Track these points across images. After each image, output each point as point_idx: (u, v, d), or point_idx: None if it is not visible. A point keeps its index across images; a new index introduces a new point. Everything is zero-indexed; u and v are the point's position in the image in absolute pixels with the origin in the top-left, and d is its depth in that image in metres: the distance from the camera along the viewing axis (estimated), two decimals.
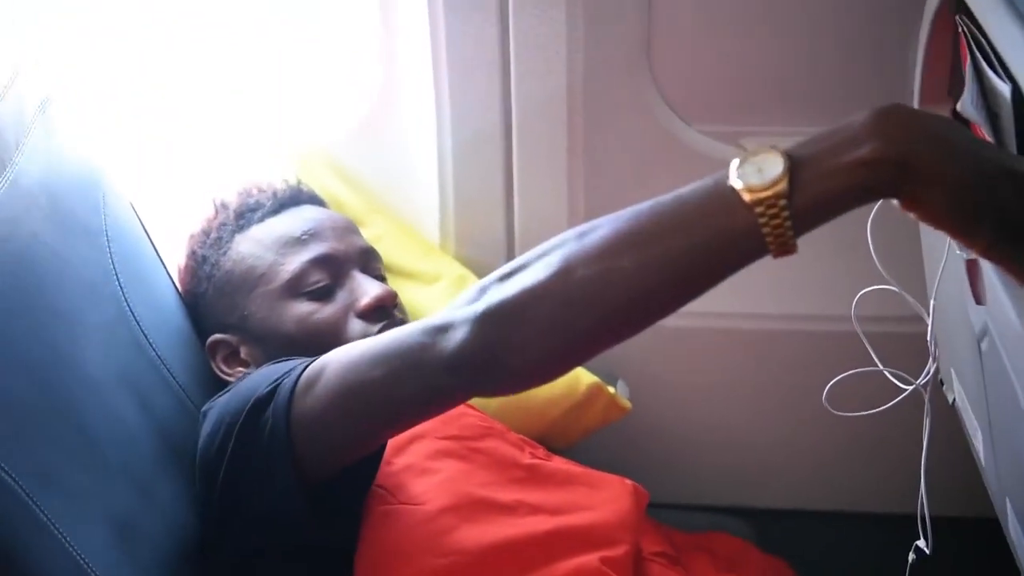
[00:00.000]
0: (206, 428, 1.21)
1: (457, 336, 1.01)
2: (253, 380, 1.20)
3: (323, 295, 1.37)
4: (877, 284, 1.11)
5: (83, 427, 1.16)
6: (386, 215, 1.59)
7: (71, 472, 1.12)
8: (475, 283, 1.04)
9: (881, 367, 1.12)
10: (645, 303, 0.96)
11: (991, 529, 1.56)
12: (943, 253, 1.08)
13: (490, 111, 1.50)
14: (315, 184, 1.54)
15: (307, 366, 1.15)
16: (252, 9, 1.57)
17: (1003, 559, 1.53)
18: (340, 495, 1.17)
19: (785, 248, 0.89)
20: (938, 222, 0.87)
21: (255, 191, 1.47)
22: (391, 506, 1.24)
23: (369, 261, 1.42)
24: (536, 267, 0.98)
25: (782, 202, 0.87)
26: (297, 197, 1.47)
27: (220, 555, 1.22)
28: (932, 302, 1.08)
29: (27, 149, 1.19)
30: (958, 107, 1.02)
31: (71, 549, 1.07)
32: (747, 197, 0.88)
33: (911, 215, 0.88)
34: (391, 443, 1.27)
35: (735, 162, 0.90)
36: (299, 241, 1.39)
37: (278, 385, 1.15)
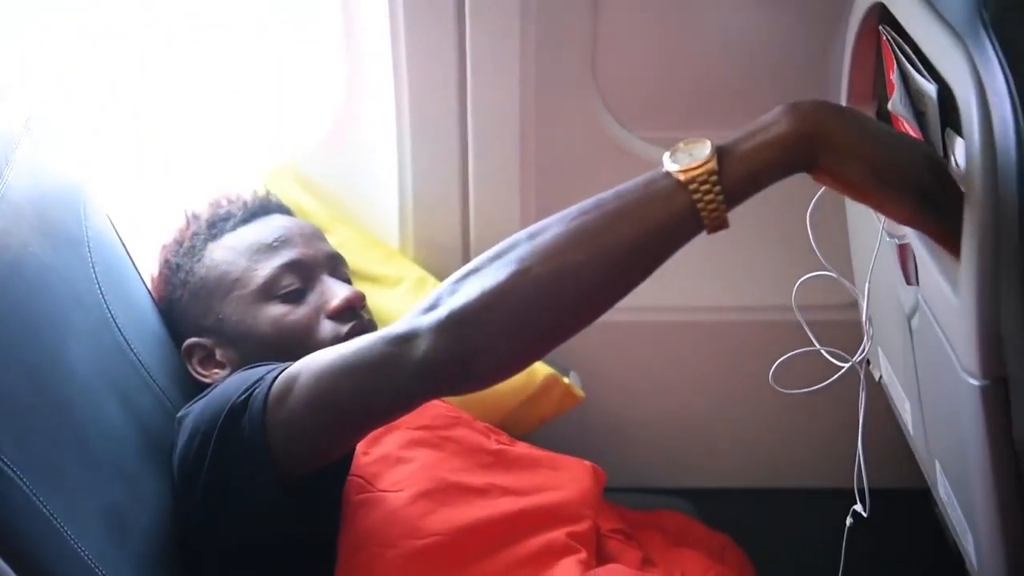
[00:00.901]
0: (182, 438, 1.23)
1: (422, 345, 1.03)
2: (226, 388, 1.22)
3: (295, 298, 1.40)
4: (812, 273, 1.18)
5: (76, 426, 1.19)
6: (348, 223, 1.62)
7: (68, 468, 1.14)
8: (433, 289, 1.06)
9: (819, 347, 1.18)
10: (599, 292, 1.01)
11: (920, 499, 1.64)
12: (875, 240, 1.15)
13: (448, 123, 1.54)
14: (281, 195, 1.57)
15: (278, 374, 1.16)
16: (220, 28, 1.60)
17: (928, 527, 1.62)
18: (318, 488, 1.20)
19: (718, 223, 0.98)
20: (860, 194, 0.97)
21: (225, 202, 1.50)
22: (370, 494, 1.27)
23: (337, 265, 1.46)
24: (491, 270, 1.02)
25: (713, 178, 0.96)
26: (266, 207, 1.50)
27: (203, 551, 1.24)
28: (867, 285, 1.15)
29: (15, 164, 1.22)
30: (889, 106, 1.10)
31: (73, 543, 1.10)
32: (681, 177, 0.97)
33: (833, 189, 0.98)
34: (367, 436, 1.28)
35: (667, 153, 0.99)
36: (271, 248, 1.42)
37: (251, 394, 1.17)
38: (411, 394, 1.09)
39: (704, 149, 0.97)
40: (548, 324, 1.02)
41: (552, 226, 1.02)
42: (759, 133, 0.97)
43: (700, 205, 0.97)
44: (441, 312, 1.03)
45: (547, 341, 1.04)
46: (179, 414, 1.27)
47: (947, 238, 0.96)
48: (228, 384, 1.23)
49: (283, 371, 1.17)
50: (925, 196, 0.95)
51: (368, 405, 1.11)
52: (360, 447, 1.29)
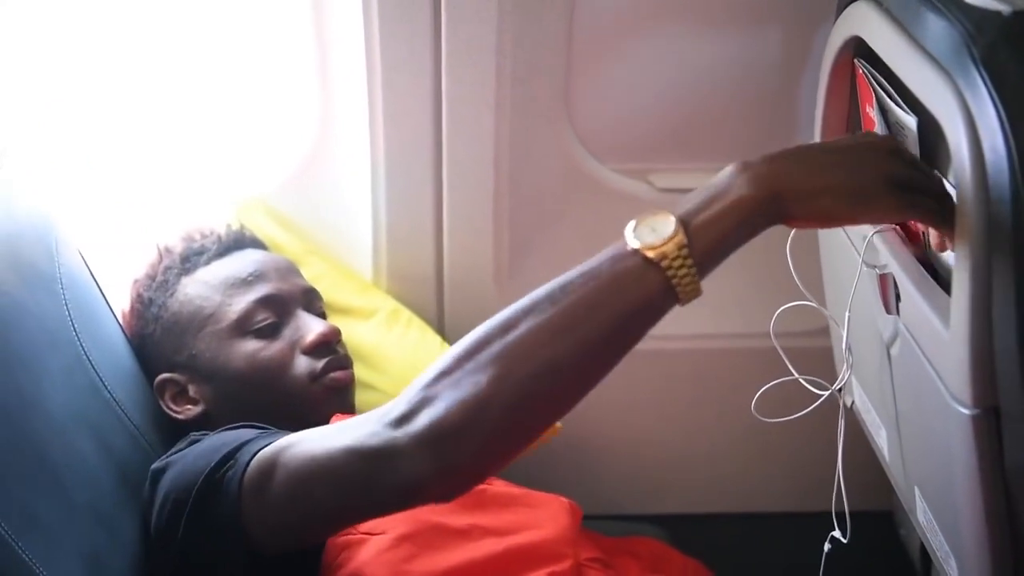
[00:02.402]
0: (157, 498, 1.18)
1: (404, 466, 0.98)
2: (200, 455, 1.16)
3: (270, 333, 1.37)
4: (788, 303, 1.16)
5: (52, 467, 1.15)
6: (322, 255, 1.60)
7: (46, 512, 1.11)
8: (402, 394, 1.00)
9: (798, 376, 1.17)
10: (581, 382, 0.97)
11: (885, 521, 1.65)
12: (852, 270, 1.14)
13: (422, 155, 1.52)
14: (254, 229, 1.54)
15: (252, 456, 1.10)
16: (193, 63, 1.57)
17: (894, 548, 1.62)
18: (292, 563, 1.15)
19: (692, 293, 0.95)
20: (836, 222, 0.97)
21: (198, 236, 1.47)
22: (351, 536, 1.24)
23: (312, 300, 1.43)
24: (467, 375, 0.96)
25: (684, 251, 0.93)
26: (240, 241, 1.47)
27: None
28: (847, 314, 1.14)
29: None
30: None
31: None
32: (651, 254, 0.94)
33: (808, 228, 0.98)
34: None
35: (629, 228, 0.96)
36: (245, 282, 1.39)
37: (226, 473, 1.11)
38: (391, 507, 1.05)
39: (668, 224, 0.94)
40: (532, 424, 0.99)
41: (523, 319, 0.96)
42: (717, 200, 0.94)
43: (675, 280, 0.94)
44: (419, 427, 0.97)
45: (533, 437, 1.00)
46: (153, 466, 1.21)
47: (936, 219, 0.95)
48: (203, 450, 1.17)
49: (258, 452, 1.10)
50: (900, 188, 0.94)
51: (344, 512, 1.07)
52: None
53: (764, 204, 0.93)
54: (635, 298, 0.95)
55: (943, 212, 0.94)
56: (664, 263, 0.93)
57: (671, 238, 0.93)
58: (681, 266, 0.93)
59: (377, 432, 1.00)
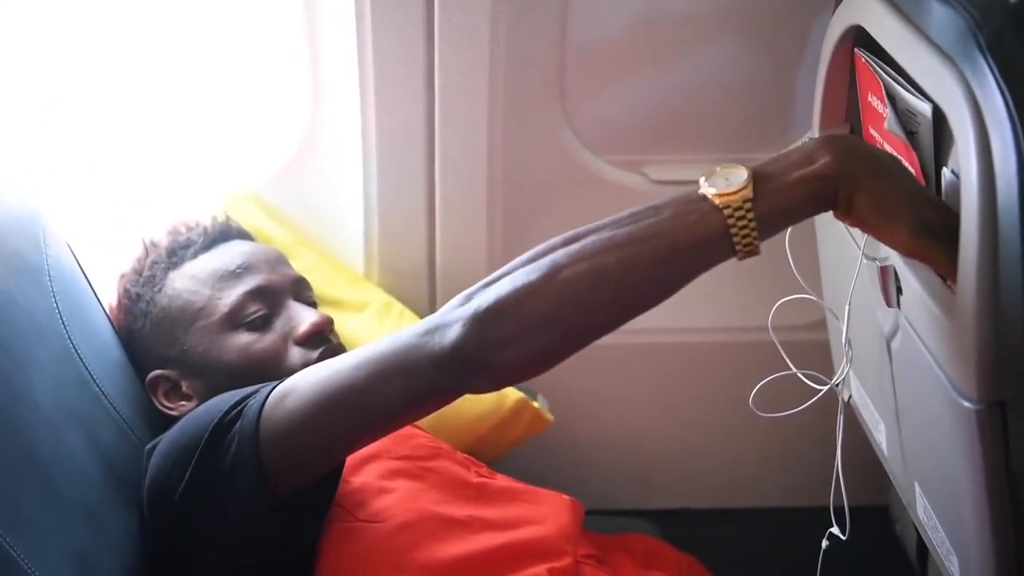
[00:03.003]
0: (156, 461, 1.17)
1: (450, 334, 1.01)
2: (209, 408, 1.17)
3: (261, 325, 1.35)
4: (786, 296, 1.16)
5: (40, 462, 1.13)
6: (312, 248, 1.59)
7: (35, 510, 1.09)
8: (461, 293, 1.05)
9: (796, 371, 1.16)
10: (627, 297, 1.00)
11: (880, 516, 1.64)
12: (851, 263, 1.13)
13: (414, 147, 1.51)
14: (243, 220, 1.52)
15: (273, 388, 1.13)
16: (182, 54, 1.56)
17: (891, 543, 1.62)
18: (302, 509, 1.16)
19: (750, 250, 0.97)
20: (863, 224, 0.96)
21: (184, 229, 1.45)
22: (352, 523, 1.23)
23: (302, 290, 1.41)
24: (525, 271, 1.01)
25: (747, 205, 0.95)
26: (227, 233, 1.45)
27: None
28: (847, 307, 1.13)
29: None
30: (885, 126, 1.08)
31: None
32: (717, 201, 0.96)
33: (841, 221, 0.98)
34: (348, 463, 1.25)
35: (703, 177, 0.98)
36: (234, 275, 1.37)
37: (242, 408, 1.13)
38: (424, 387, 1.05)
39: (740, 176, 0.96)
40: (574, 323, 1.01)
41: (587, 235, 1.01)
42: (797, 167, 0.96)
43: (734, 231, 0.96)
44: (470, 306, 1.02)
45: (571, 340, 1.02)
46: (149, 445, 1.21)
47: (943, 264, 0.95)
48: (210, 405, 1.18)
49: (279, 383, 1.13)
50: (923, 225, 0.94)
51: (375, 399, 1.08)
52: (342, 475, 1.24)
53: (836, 181, 0.95)
54: (693, 236, 0.97)
55: (947, 259, 0.94)
56: (727, 211, 0.96)
57: (740, 190, 0.96)
58: (742, 218, 0.96)
59: (435, 316, 1.06)
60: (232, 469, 1.11)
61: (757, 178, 0.96)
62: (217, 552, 1.15)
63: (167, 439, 1.18)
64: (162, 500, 1.16)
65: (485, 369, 1.02)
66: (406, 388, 1.06)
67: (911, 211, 0.94)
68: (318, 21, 1.50)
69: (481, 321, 1.00)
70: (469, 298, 1.03)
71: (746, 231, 0.95)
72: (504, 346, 1.00)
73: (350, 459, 1.25)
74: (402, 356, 1.05)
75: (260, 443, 1.10)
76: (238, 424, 1.12)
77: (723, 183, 0.96)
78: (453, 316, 1.02)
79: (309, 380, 1.11)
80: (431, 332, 1.03)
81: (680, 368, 1.67)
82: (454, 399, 1.08)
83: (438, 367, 1.03)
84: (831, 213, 1.01)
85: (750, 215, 0.95)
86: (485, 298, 1.01)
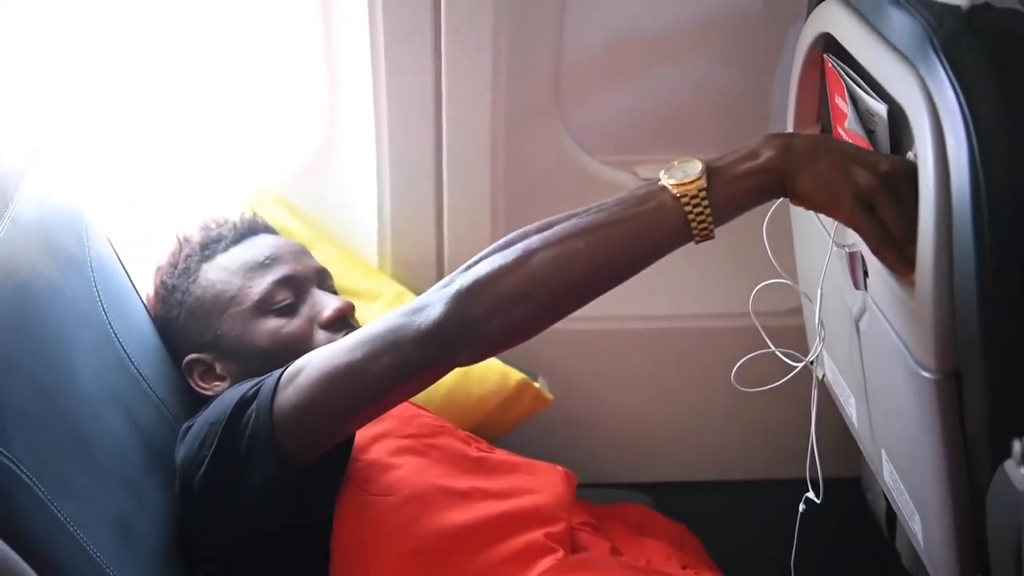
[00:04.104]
0: (187, 440, 1.20)
1: (433, 312, 1.05)
2: (236, 389, 1.21)
3: (288, 311, 1.37)
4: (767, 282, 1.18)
5: (83, 437, 1.16)
6: (330, 243, 1.60)
7: (77, 477, 1.11)
8: (445, 277, 1.09)
9: (774, 349, 1.19)
10: (594, 276, 1.04)
11: (854, 487, 1.66)
12: (823, 250, 1.15)
13: (423, 150, 1.53)
14: (267, 218, 1.54)
15: (286, 368, 1.16)
16: (207, 63, 1.58)
17: (863, 512, 1.63)
18: (315, 479, 1.18)
19: (706, 234, 1.02)
20: (812, 205, 1.01)
21: (215, 225, 1.46)
22: (364, 498, 1.25)
23: (324, 279, 1.43)
24: (501, 254, 1.06)
25: (702, 194, 1.01)
26: (254, 228, 1.47)
27: (202, 550, 1.21)
28: (819, 290, 1.15)
29: (23, 191, 1.19)
30: (845, 124, 1.10)
31: (85, 545, 1.07)
32: (675, 190, 1.01)
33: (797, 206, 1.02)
34: (357, 442, 1.28)
35: (663, 170, 1.03)
36: (263, 265, 1.39)
37: (261, 384, 1.17)
38: (415, 362, 1.08)
39: (695, 168, 1.02)
40: (546, 299, 1.04)
41: (559, 223, 1.06)
42: (746, 160, 1.01)
43: (691, 217, 1.00)
44: (452, 287, 1.06)
45: (543, 315, 1.06)
46: (184, 425, 1.24)
47: (878, 240, 0.98)
48: (235, 388, 1.21)
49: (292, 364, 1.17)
50: (861, 200, 0.98)
51: (372, 374, 1.10)
52: (351, 453, 1.27)
53: (779, 175, 1.00)
54: (655, 222, 1.02)
55: (887, 240, 0.98)
56: (684, 200, 1.00)
57: (695, 180, 1.01)
58: (697, 206, 1.00)
59: (420, 297, 1.10)
60: (250, 441, 1.14)
61: (710, 171, 1.01)
62: (239, 520, 1.18)
63: (199, 420, 1.21)
64: (192, 474, 1.19)
65: (466, 342, 1.06)
66: (398, 364, 1.09)
67: (849, 189, 0.97)
68: (335, 35, 1.52)
69: (461, 300, 1.04)
70: (451, 280, 1.07)
71: (702, 217, 1.00)
72: (482, 321, 1.04)
73: (360, 438, 1.29)
74: (392, 335, 1.08)
75: (274, 418, 1.14)
76: (255, 402, 1.15)
77: (680, 175, 1.02)
78: (436, 296, 1.06)
79: (315, 360, 1.14)
80: (417, 312, 1.07)
81: (670, 351, 1.68)
82: (444, 373, 1.11)
83: (424, 343, 1.06)
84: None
85: (705, 203, 1.00)
86: (464, 279, 1.05)
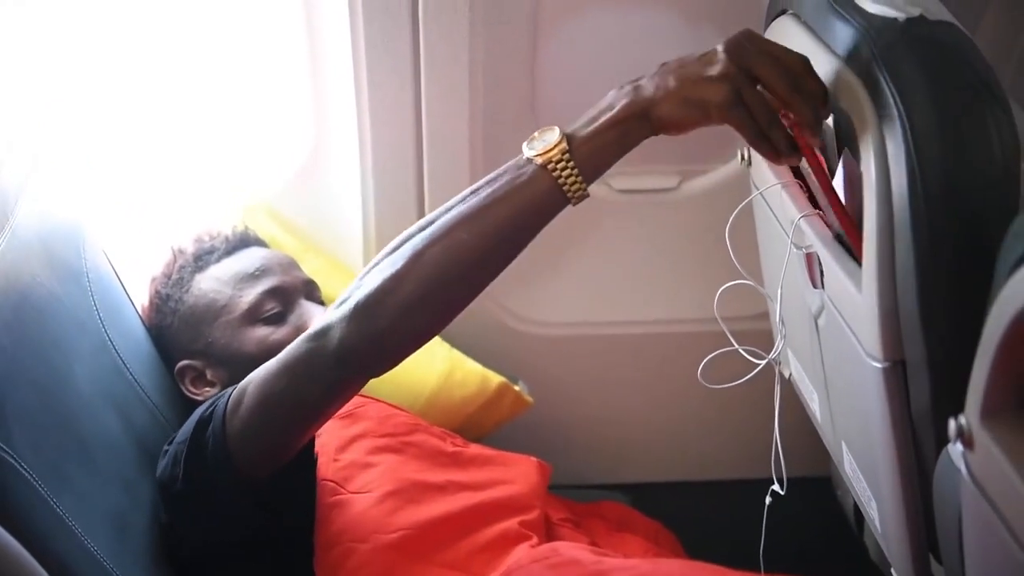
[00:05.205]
0: (165, 457, 1.23)
1: (335, 335, 1.06)
2: (198, 410, 1.23)
3: (276, 320, 1.42)
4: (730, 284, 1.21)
5: (81, 437, 1.20)
6: (318, 253, 1.64)
7: (76, 475, 1.15)
8: (343, 291, 1.09)
9: (738, 347, 1.21)
10: (484, 264, 1.05)
11: (824, 485, 1.69)
12: (784, 251, 1.19)
13: (406, 164, 1.56)
14: (258, 229, 1.58)
15: (233, 390, 1.18)
16: (205, 87, 1.62)
17: (832, 509, 1.67)
18: (281, 489, 1.20)
19: (580, 194, 1.03)
20: (683, 125, 1.01)
21: (207, 237, 1.52)
22: (342, 496, 1.29)
23: (312, 291, 1.48)
24: (389, 260, 1.06)
25: (566, 155, 1.02)
26: (246, 240, 1.52)
27: (189, 555, 1.24)
28: (779, 290, 1.19)
29: (23, 204, 1.23)
30: None
31: (84, 540, 1.11)
32: (539, 159, 1.03)
33: (671, 134, 1.02)
34: (335, 443, 1.32)
35: (525, 143, 1.05)
36: (253, 276, 1.44)
37: (215, 405, 1.19)
38: (336, 382, 1.10)
39: (553, 134, 1.04)
40: (444, 297, 1.06)
41: (439, 217, 1.07)
42: (600, 114, 1.03)
43: (560, 180, 1.02)
44: (349, 305, 1.06)
45: (446, 312, 1.08)
46: (164, 447, 1.26)
47: (750, 133, 0.99)
48: (202, 406, 1.23)
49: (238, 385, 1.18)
50: (730, 101, 0.98)
51: (303, 399, 1.12)
52: (331, 454, 1.31)
53: (635, 115, 1.01)
54: (529, 193, 1.03)
55: (758, 129, 0.99)
56: (550, 166, 1.02)
57: (556, 145, 1.02)
58: (564, 168, 1.02)
59: (322, 317, 1.09)
60: (212, 461, 1.17)
61: (569, 134, 1.03)
62: (216, 530, 1.21)
63: (173, 442, 1.24)
64: (168, 490, 1.22)
65: (379, 356, 1.08)
66: (322, 388, 1.11)
67: (708, 93, 0.98)
68: (319, 55, 1.56)
69: (358, 318, 1.05)
70: (347, 296, 1.07)
71: (572, 178, 1.02)
72: (388, 332, 1.05)
73: (338, 440, 1.33)
74: (307, 363, 1.10)
75: (227, 442, 1.16)
76: (211, 421, 1.18)
77: (541, 145, 1.03)
78: (335, 317, 1.07)
79: (252, 388, 1.16)
80: (322, 336, 1.08)
81: (646, 356, 1.71)
82: (366, 382, 1.13)
83: (339, 367, 1.08)
84: (767, 212, 1.05)
85: (571, 164, 1.02)
86: (359, 295, 1.06)
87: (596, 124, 1.02)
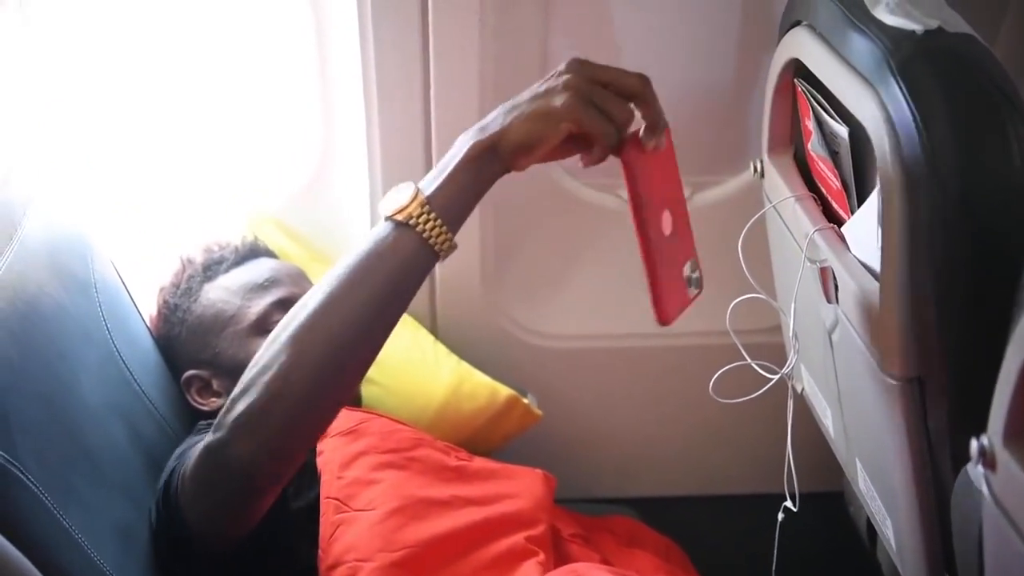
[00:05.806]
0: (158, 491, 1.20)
1: (233, 453, 1.03)
2: (179, 448, 1.22)
3: None
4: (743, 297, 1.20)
5: (88, 449, 1.19)
6: (326, 264, 1.61)
7: (83, 487, 1.14)
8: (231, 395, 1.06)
9: (751, 361, 1.20)
10: (368, 337, 1.02)
11: (837, 500, 1.67)
12: (797, 265, 1.18)
13: (414, 176, 1.46)
14: (266, 240, 1.58)
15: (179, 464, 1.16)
16: (216, 101, 1.62)
17: (845, 524, 1.65)
18: (258, 549, 1.17)
19: (448, 245, 1.00)
20: (534, 149, 0.99)
21: (217, 247, 1.51)
22: (346, 514, 1.27)
23: None
24: (273, 355, 1.02)
25: (426, 208, 0.98)
26: (255, 250, 1.51)
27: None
28: (793, 304, 1.18)
29: (31, 215, 1.23)
30: (808, 146, 1.13)
31: (92, 555, 1.10)
32: (399, 217, 0.99)
33: (522, 166, 1.01)
34: (339, 459, 1.30)
35: (380, 203, 1.01)
36: (262, 287, 1.43)
37: (176, 466, 1.17)
38: (244, 495, 1.07)
39: (408, 189, 1.01)
40: (333, 387, 1.02)
41: (313, 296, 1.02)
42: (450, 161, 1.01)
43: (426, 235, 0.99)
44: (235, 415, 1.03)
45: (339, 398, 1.05)
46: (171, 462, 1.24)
47: (604, 134, 0.98)
48: (181, 445, 1.22)
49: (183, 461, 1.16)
50: (580, 109, 0.97)
51: (225, 501, 1.10)
52: (335, 472, 1.29)
53: (485, 152, 0.99)
54: (398, 257, 1.00)
55: (616, 125, 0.98)
56: (412, 222, 0.98)
57: (413, 199, 0.99)
58: (427, 220, 0.99)
59: (216, 427, 1.05)
60: (176, 519, 1.14)
61: (423, 185, 1.00)
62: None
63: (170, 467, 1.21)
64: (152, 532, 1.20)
65: (287, 459, 1.05)
66: (236, 501, 1.08)
67: (551, 106, 0.97)
68: (328, 66, 1.56)
69: (248, 430, 1.02)
70: (235, 402, 1.03)
71: (435, 229, 0.99)
72: (278, 441, 1.02)
73: (341, 456, 1.31)
74: (211, 480, 1.07)
75: (181, 507, 1.13)
76: (174, 484, 1.15)
77: (395, 202, 1.00)
78: (225, 434, 1.04)
79: (188, 472, 1.12)
80: (218, 452, 1.04)
81: (657, 369, 1.70)
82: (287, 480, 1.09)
83: (244, 487, 1.05)
84: (780, 225, 1.03)
85: (432, 215, 0.99)
86: (244, 405, 1.02)
87: (448, 171, 1.00)
